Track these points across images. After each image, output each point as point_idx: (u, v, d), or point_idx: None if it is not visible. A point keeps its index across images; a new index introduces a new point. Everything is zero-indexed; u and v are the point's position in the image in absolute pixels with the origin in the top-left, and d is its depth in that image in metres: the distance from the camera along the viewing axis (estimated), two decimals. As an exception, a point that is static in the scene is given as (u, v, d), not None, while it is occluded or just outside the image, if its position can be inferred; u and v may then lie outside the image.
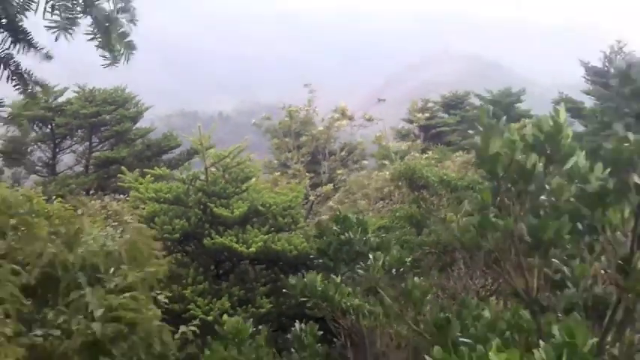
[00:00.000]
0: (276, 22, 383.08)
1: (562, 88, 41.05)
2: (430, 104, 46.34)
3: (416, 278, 6.01)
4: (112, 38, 5.42)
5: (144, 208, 11.92)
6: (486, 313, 5.14)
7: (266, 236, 11.01)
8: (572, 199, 4.79)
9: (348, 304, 6.54)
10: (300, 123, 24.88)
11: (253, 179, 12.45)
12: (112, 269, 6.45)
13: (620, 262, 4.62)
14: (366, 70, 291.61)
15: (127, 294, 6.17)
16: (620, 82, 23.99)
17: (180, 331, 7.62)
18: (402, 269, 6.57)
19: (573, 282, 4.90)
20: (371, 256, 6.51)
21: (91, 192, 25.15)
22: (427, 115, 41.49)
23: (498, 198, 5.04)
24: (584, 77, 34.47)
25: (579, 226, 4.76)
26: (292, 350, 7.47)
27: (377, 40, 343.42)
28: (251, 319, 8.33)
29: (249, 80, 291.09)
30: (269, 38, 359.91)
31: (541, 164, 4.84)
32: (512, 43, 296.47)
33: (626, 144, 4.36)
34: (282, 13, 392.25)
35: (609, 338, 4.74)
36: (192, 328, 7.70)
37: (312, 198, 18.36)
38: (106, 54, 5.58)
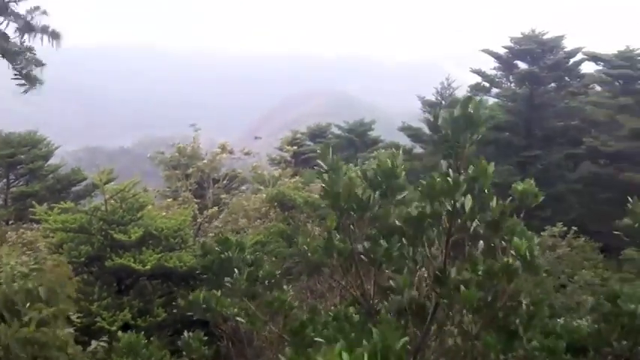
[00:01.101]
0: (175, 63, 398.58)
1: (407, 117, 45.24)
2: (299, 135, 49.35)
3: (285, 286, 7.24)
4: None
5: (53, 237, 13.23)
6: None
7: (159, 255, 12.47)
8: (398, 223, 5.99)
9: (228, 312, 7.49)
10: (188, 157, 27.40)
11: (149, 206, 14.15)
12: (28, 304, 7.13)
13: (436, 272, 5.77)
14: (247, 106, 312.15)
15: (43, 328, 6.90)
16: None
17: (92, 346, 8.66)
18: (273, 280, 7.60)
19: (400, 290, 6.02)
20: (237, 270, 7.55)
21: (10, 222, 26.82)
22: (295, 147, 44.18)
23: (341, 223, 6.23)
24: (421, 109, 38.52)
25: (406, 243, 5.95)
26: (184, 354, 8.41)
27: (257, 79, 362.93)
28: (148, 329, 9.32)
29: (149, 117, 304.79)
30: (164, 77, 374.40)
31: (378, 195, 6.04)
32: (368, 79, 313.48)
33: (447, 178, 5.45)
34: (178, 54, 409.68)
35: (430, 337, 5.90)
36: (102, 343, 8.80)
37: (199, 220, 19.95)
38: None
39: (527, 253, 5.59)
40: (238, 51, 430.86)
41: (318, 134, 52.17)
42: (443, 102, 39.00)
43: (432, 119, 5.49)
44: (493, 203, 5.65)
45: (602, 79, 37.13)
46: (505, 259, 5.66)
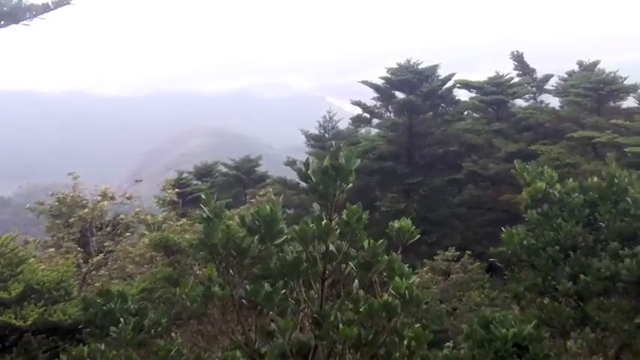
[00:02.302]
0: (53, 108, 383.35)
1: (293, 150, 45.63)
2: (185, 175, 48.58)
3: (174, 333, 6.98)
4: None
5: None
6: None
7: (42, 309, 11.80)
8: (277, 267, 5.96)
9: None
10: (68, 206, 26.35)
11: (30, 259, 13.33)
12: None
13: (314, 315, 5.80)
14: (128, 148, 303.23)
15: None
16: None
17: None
18: (159, 328, 7.35)
19: (282, 333, 5.96)
20: (123, 320, 7.26)
21: None
22: (176, 190, 43.50)
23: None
24: (305, 143, 39.00)
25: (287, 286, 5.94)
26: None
27: (137, 119, 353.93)
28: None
29: (28, 165, 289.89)
30: (42, 123, 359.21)
31: (257, 241, 6.00)
32: (251, 114, 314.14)
33: (320, 223, 5.50)
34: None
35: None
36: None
37: (84, 269, 19.16)
38: None
39: (406, 292, 5.72)
40: (117, 92, 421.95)
41: (204, 173, 51.64)
42: (326, 135, 39.62)
43: (302, 169, 5.52)
44: (365, 244, 5.74)
45: (477, 105, 38.78)
46: (385, 297, 5.77)
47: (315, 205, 5.67)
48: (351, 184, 5.43)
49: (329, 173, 5.33)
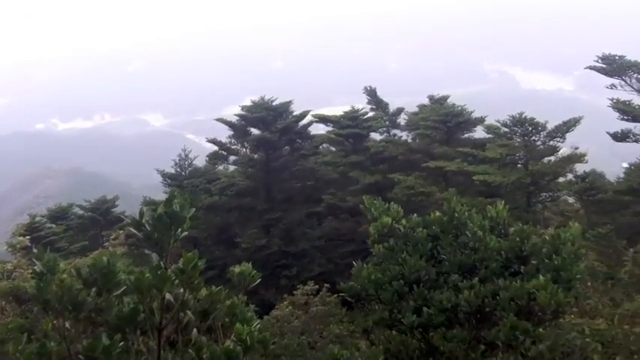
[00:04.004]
0: None
1: (153, 189, 44.76)
2: (38, 218, 46.20)
3: None
4: None
5: None
6: None
7: None
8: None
9: None
10: None
11: None
12: None
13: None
14: None
15: None
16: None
17: None
18: None
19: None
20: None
21: None
22: (29, 236, 41.41)
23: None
24: (162, 182, 38.67)
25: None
26: None
27: None
28: None
29: None
30: None
31: (94, 293, 5.68)
32: (111, 154, 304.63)
33: (157, 272, 5.29)
34: None
35: None
36: None
37: None
38: None
39: (248, 338, 5.61)
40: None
41: (59, 216, 49.50)
42: (183, 173, 39.07)
43: (137, 217, 5.32)
44: (202, 293, 5.61)
45: (334, 139, 39.50)
46: (227, 343, 5.64)
47: (154, 256, 5.49)
48: (186, 232, 5.26)
49: (163, 221, 5.15)
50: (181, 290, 5.36)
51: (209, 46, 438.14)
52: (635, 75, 25.92)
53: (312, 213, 36.65)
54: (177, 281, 5.38)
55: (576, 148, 28.73)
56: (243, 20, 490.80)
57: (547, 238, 8.40)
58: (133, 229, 5.40)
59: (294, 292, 23.73)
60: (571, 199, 34.56)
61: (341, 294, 9.71)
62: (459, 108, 35.29)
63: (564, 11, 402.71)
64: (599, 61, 26.18)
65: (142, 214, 5.34)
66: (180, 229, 5.15)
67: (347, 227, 35.14)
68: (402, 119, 40.98)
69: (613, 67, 25.83)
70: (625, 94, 26.52)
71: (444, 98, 38.04)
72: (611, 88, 26.39)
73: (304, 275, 31.51)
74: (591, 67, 26.86)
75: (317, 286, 23.40)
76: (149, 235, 5.17)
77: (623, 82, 26.32)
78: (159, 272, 5.21)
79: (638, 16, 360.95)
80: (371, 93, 41.68)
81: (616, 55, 26.00)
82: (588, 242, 22.87)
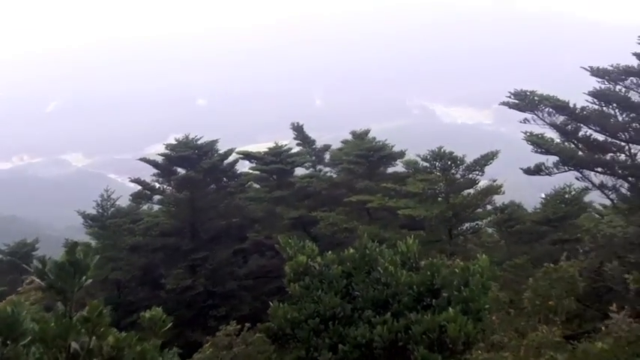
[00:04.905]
0: None
1: (75, 230, 43.79)
2: None
3: None
4: None
5: None
6: None
7: None
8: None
9: None
10: None
11: None
12: None
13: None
14: None
15: None
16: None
17: None
18: None
19: None
20: None
21: None
22: None
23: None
24: (83, 224, 38.94)
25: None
26: None
27: None
28: None
29: None
30: None
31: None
32: (31, 196, 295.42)
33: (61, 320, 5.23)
34: None
35: None
36: None
37: None
38: None
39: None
40: None
41: (-24, 261, 47.97)
42: (105, 214, 38.30)
43: (39, 266, 5.26)
44: (110, 340, 5.56)
45: (258, 175, 39.54)
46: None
47: (59, 304, 5.42)
48: (90, 280, 5.23)
49: (66, 269, 5.11)
50: (87, 339, 5.31)
51: (130, 85, 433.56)
52: (547, 109, 26.81)
53: (238, 251, 36.43)
54: (83, 330, 5.34)
55: (494, 181, 29.50)
56: (165, 58, 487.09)
57: (456, 270, 8.64)
58: (36, 278, 5.33)
59: (217, 334, 23.48)
60: (491, 230, 35.41)
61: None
62: (381, 143, 35.86)
63: (480, 47, 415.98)
64: (512, 96, 26.96)
65: (44, 262, 5.29)
66: (84, 277, 5.13)
67: (273, 264, 34.97)
68: (327, 155, 41.36)
69: (525, 102, 26.65)
70: (539, 128, 27.38)
71: (365, 133, 38.57)
72: (525, 122, 27.18)
73: (233, 315, 31.17)
74: (504, 103, 27.65)
75: (239, 326, 23.21)
76: (52, 284, 5.12)
77: (535, 116, 27.15)
78: (63, 321, 5.16)
79: (554, 51, 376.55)
80: (298, 129, 41.96)
81: (527, 91, 26.82)
82: (506, 273, 23.48)
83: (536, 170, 27.44)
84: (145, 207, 40.67)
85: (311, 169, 41.03)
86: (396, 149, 36.55)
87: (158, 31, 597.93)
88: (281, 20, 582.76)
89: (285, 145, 40.95)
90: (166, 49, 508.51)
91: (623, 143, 26.52)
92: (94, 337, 5.38)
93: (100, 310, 5.27)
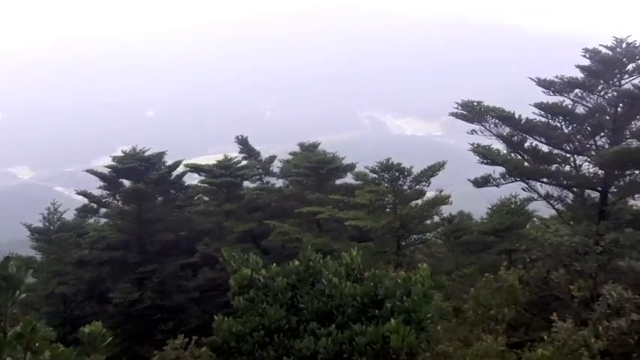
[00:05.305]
0: None
1: (20, 244, 42.93)
2: None
3: None
4: None
5: None
6: None
7: None
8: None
9: None
10: None
11: None
12: None
13: None
14: None
15: None
16: None
17: None
18: None
19: None
20: None
21: None
22: None
23: None
24: (29, 237, 38.45)
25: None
26: None
27: None
28: None
29: None
30: None
31: None
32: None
33: None
34: None
35: None
36: None
37: None
38: None
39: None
40: None
41: None
42: (51, 227, 37.60)
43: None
44: (47, 355, 5.47)
45: (208, 188, 39.22)
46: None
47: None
48: (24, 294, 5.13)
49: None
50: (22, 355, 5.22)
51: (78, 96, 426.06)
52: (493, 120, 27.21)
53: (186, 264, 36.07)
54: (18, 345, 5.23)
55: (441, 191, 29.79)
56: (114, 67, 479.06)
57: (399, 280, 8.69)
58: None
59: (164, 348, 23.20)
60: (440, 241, 35.75)
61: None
62: (331, 155, 35.94)
63: (431, 59, 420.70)
64: (460, 107, 27.30)
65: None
66: (17, 292, 5.03)
67: (223, 277, 34.53)
68: (275, 167, 41.26)
69: (472, 113, 27.02)
70: (486, 139, 27.75)
71: (314, 145, 38.64)
72: (472, 134, 27.53)
73: (182, 329, 30.72)
74: (453, 114, 27.98)
75: (187, 339, 22.96)
76: (-15, 298, 5.01)
77: (482, 128, 27.51)
78: (-5, 337, 5.05)
79: (505, 63, 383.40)
80: (242, 142, 41.79)
81: (474, 101, 27.16)
82: (455, 282, 23.76)
83: (484, 182, 27.83)
84: (91, 220, 40.04)
85: (259, 181, 40.92)
86: (346, 161, 36.63)
87: (106, 32, 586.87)
88: (222, 21, 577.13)
89: (235, 157, 40.75)
90: (114, 56, 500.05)
91: (568, 154, 27.11)
92: (29, 353, 5.28)
93: (33, 325, 5.17)
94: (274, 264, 9.31)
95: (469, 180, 28.53)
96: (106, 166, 36.03)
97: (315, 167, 34.59)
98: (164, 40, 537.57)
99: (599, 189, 26.46)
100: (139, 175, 34.95)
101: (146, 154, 36.26)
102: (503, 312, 15.83)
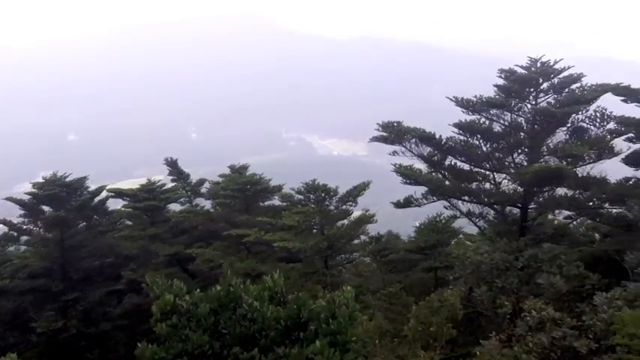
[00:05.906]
0: None
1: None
2: None
3: None
4: None
5: None
6: None
7: None
8: None
9: None
10: None
11: None
12: None
13: None
14: None
15: None
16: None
17: None
18: None
19: None
20: None
21: None
22: None
23: None
24: None
25: None
26: None
27: None
28: None
29: None
30: None
31: None
32: None
33: None
34: None
35: None
36: None
37: None
38: None
39: None
40: None
41: None
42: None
43: None
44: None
45: (131, 213, 38.64)
46: None
47: None
48: None
49: None
50: None
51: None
52: (413, 140, 27.72)
53: (112, 291, 35.35)
54: None
55: (367, 210, 30.13)
56: (32, 88, 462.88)
57: (323, 303, 8.80)
58: None
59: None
60: (368, 260, 36.12)
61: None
62: (258, 176, 35.95)
63: (351, 79, 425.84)
64: (380, 128, 27.72)
65: None
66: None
67: (149, 303, 33.68)
68: (204, 189, 41.03)
69: (392, 134, 27.47)
70: (408, 159, 28.23)
71: (244, 167, 38.63)
72: (394, 155, 28.00)
73: (109, 356, 30.09)
74: (374, 139, 28.33)
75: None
76: None
77: (404, 148, 28.00)
78: None
79: (426, 82, 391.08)
80: (172, 164, 41.43)
81: (394, 122, 27.62)
82: (380, 301, 24.05)
83: (406, 203, 28.32)
84: (11, 249, 38.85)
85: (187, 204, 40.59)
86: (275, 182, 36.73)
87: (11, 44, 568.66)
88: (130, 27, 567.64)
89: (160, 180, 40.35)
90: (32, 83, 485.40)
91: (487, 172, 27.89)
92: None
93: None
94: (199, 289, 9.29)
95: (392, 202, 28.95)
96: (26, 193, 34.99)
97: (241, 189, 34.54)
98: (76, 49, 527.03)
99: (520, 205, 27.29)
100: (61, 202, 34.06)
101: (67, 179, 35.36)
102: (443, 330, 16.15)
